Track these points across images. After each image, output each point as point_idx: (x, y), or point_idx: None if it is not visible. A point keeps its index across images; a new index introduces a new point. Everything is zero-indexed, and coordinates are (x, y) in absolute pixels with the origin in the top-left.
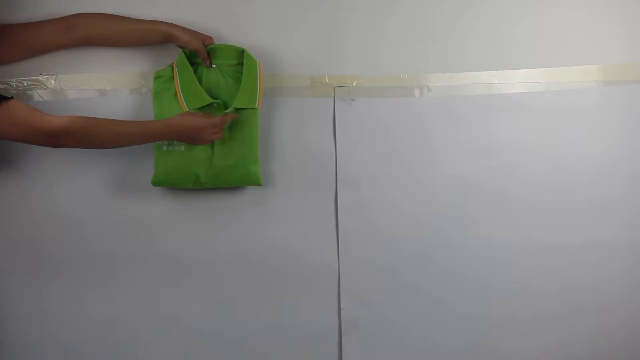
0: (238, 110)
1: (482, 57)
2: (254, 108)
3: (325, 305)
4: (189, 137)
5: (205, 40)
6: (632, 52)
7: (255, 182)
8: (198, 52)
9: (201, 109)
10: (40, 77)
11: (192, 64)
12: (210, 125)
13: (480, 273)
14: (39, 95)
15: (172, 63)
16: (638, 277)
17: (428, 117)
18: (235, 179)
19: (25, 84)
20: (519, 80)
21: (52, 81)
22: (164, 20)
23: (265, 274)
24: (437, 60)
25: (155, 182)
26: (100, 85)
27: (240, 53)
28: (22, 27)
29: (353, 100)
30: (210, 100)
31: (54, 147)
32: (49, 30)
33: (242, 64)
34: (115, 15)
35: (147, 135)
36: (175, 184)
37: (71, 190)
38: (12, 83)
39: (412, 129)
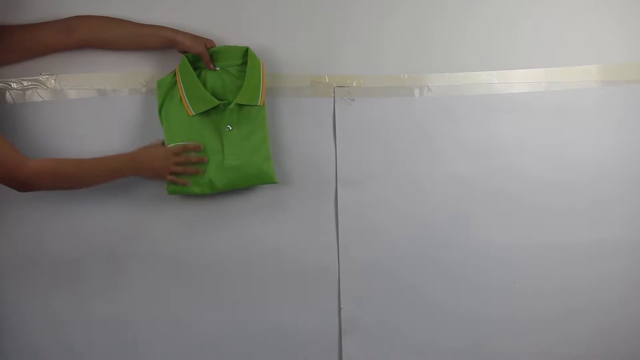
0: (242, 107)
1: (482, 57)
2: (257, 105)
3: (325, 305)
4: (152, 169)
5: (207, 43)
6: (632, 52)
7: (269, 180)
8: (201, 56)
9: (207, 112)
10: (40, 77)
11: (194, 68)
12: (171, 153)
13: (480, 273)
14: (39, 95)
15: (174, 70)
16: (638, 277)
17: (428, 117)
18: (248, 179)
19: (25, 84)
20: (519, 80)
21: (52, 81)
22: (164, 24)
23: (266, 274)
24: (437, 60)
25: (171, 191)
26: (100, 85)
27: (244, 52)
28: (23, 29)
29: (353, 100)
30: (217, 102)
31: (22, 192)
32: (50, 32)
33: (246, 63)
34: (116, 19)
35: (112, 170)
36: (192, 191)
37: (74, 191)
38: (12, 83)
39: (412, 129)
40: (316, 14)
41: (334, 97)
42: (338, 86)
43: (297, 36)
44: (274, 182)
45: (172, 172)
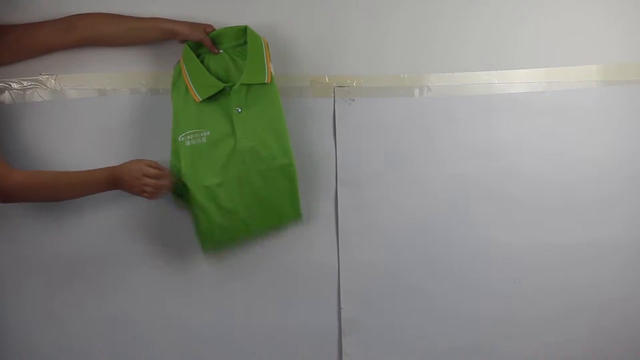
0: (249, 87)
1: (482, 57)
2: (265, 83)
3: (325, 305)
4: (129, 182)
5: (206, 28)
6: (632, 52)
7: (286, 162)
8: (202, 42)
9: (215, 97)
10: (40, 77)
11: (197, 55)
12: (141, 171)
13: (480, 273)
14: (39, 95)
15: (178, 61)
16: (638, 276)
17: (428, 117)
18: (263, 161)
19: (25, 84)
20: (519, 80)
21: (52, 81)
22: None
23: (266, 274)
24: (437, 60)
25: (206, 249)
26: (100, 85)
27: (243, 31)
28: (22, 28)
29: (353, 100)
30: (222, 85)
31: (3, 203)
32: (49, 31)
33: (247, 42)
34: (115, 15)
35: (94, 183)
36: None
37: None
38: (12, 83)
39: (412, 128)
40: (316, 13)
41: (334, 97)
42: (338, 86)
43: (298, 36)
44: (291, 165)
45: (143, 190)
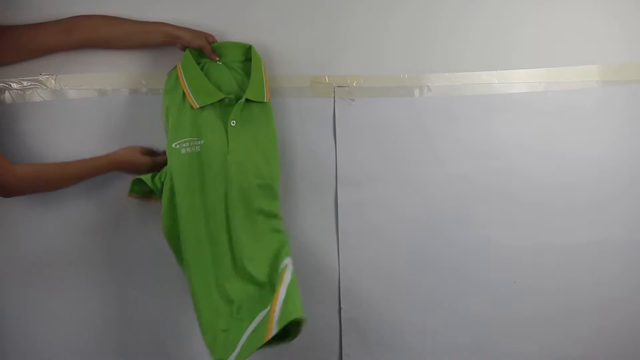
0: (247, 104)
1: (482, 57)
2: (263, 102)
3: (325, 305)
4: (133, 158)
5: (208, 37)
6: (632, 52)
7: (273, 195)
8: (203, 49)
9: (212, 106)
10: (40, 77)
11: (197, 64)
12: (151, 164)
13: (480, 273)
14: (39, 95)
15: (174, 67)
16: (638, 277)
17: (428, 117)
18: (252, 177)
19: (25, 84)
20: (519, 80)
21: (52, 81)
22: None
23: None
24: (437, 60)
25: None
26: (100, 85)
27: (247, 50)
28: (22, 29)
29: (353, 100)
30: (222, 95)
31: (6, 197)
32: (49, 32)
33: (248, 59)
34: (116, 17)
35: (92, 171)
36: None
37: (75, 192)
38: (12, 83)
39: (412, 129)
40: (316, 14)
41: (334, 97)
42: (338, 86)
43: (298, 36)
44: (274, 187)
45: (149, 160)
